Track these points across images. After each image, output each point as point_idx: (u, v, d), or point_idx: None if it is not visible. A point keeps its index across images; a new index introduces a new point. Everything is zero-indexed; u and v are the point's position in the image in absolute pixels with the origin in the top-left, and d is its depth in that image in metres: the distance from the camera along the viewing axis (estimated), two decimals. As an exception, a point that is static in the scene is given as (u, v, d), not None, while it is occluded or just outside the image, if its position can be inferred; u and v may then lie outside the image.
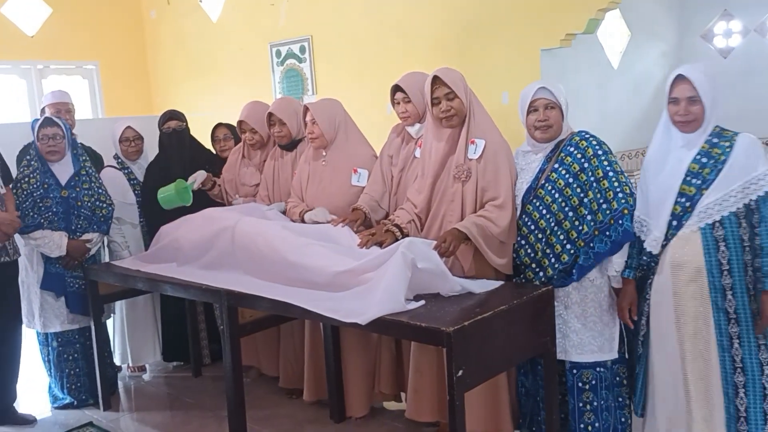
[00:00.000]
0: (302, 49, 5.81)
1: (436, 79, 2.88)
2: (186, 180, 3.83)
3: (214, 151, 4.34)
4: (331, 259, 2.77)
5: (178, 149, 4.13)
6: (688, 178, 2.49)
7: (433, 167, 2.96)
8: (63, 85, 6.45)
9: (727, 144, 2.47)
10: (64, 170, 3.65)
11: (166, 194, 3.77)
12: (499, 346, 2.39)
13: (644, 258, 2.60)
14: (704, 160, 2.48)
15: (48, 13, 6.36)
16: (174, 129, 4.14)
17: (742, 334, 2.46)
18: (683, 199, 2.49)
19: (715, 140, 2.49)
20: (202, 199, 3.87)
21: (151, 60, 7.25)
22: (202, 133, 4.46)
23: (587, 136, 2.74)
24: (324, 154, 3.43)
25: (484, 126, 2.92)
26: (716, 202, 2.44)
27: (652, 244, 2.56)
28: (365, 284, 2.59)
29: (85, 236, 3.70)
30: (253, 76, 6.22)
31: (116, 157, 4.13)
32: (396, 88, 3.17)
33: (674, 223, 2.51)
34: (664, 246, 2.54)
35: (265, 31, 6.07)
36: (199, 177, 3.86)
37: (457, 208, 2.89)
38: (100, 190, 3.79)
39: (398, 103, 3.19)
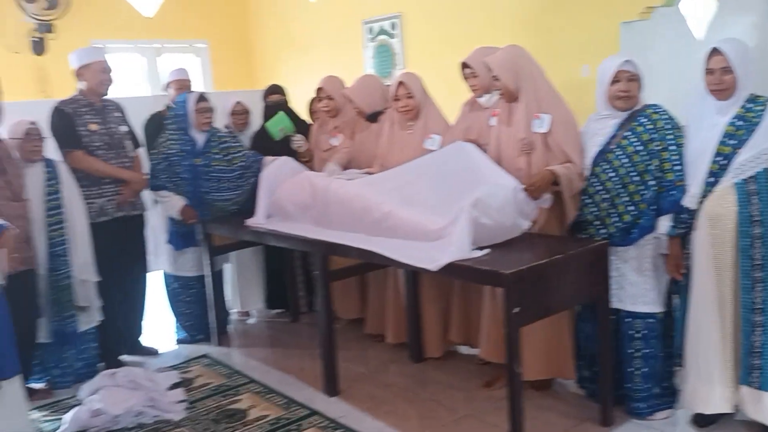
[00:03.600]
0: (393, 26, 6.14)
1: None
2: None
3: (311, 121, 4.78)
4: (413, 220, 3.09)
5: (278, 120, 4.59)
6: (725, 140, 2.71)
7: (496, 140, 3.25)
8: (177, 62, 7.03)
9: (761, 108, 2.69)
10: (201, 139, 4.12)
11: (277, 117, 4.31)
12: (553, 289, 2.70)
13: (683, 216, 2.83)
14: (739, 123, 2.70)
15: (164, -4, 6.96)
16: (276, 102, 4.62)
17: (766, 279, 2.68)
18: (720, 158, 2.71)
19: (750, 105, 2.71)
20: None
21: (254, 39, 7.77)
22: (300, 105, 4.89)
23: (659, 109, 2.96)
24: (411, 124, 3.71)
25: (550, 101, 3.14)
26: (750, 159, 2.65)
27: (690, 201, 2.79)
28: (444, 238, 2.93)
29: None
30: (346, 51, 6.57)
31: (227, 127, 4.63)
32: (464, 65, 3.45)
33: (711, 179, 2.73)
34: (701, 203, 2.76)
35: (359, 9, 6.43)
36: (301, 140, 4.38)
37: (524, 179, 3.08)
38: (235, 143, 4.26)
39: (467, 78, 3.46)
